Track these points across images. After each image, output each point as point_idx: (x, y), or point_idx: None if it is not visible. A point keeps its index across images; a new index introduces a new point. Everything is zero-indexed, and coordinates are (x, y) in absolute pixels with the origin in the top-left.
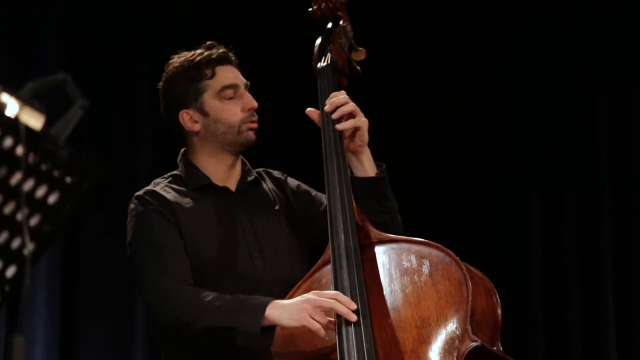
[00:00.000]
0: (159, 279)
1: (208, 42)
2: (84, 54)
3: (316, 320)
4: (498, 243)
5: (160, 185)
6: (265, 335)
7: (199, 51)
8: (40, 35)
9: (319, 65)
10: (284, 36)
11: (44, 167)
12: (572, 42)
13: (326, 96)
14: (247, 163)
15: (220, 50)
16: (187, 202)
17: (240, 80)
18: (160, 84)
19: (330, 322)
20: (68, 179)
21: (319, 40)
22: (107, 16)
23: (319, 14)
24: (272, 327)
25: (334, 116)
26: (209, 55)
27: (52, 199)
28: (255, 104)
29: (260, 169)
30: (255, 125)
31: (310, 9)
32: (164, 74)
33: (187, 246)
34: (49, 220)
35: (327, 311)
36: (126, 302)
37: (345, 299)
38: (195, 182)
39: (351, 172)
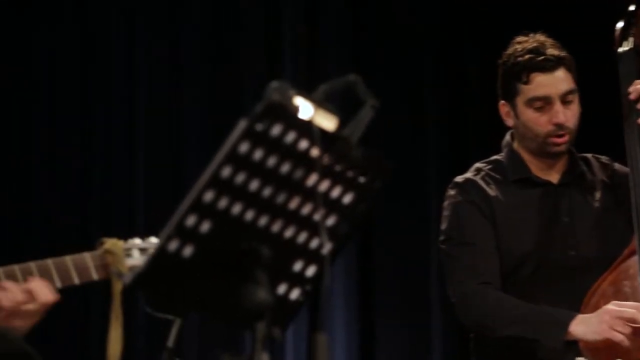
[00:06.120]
0: (464, 279)
1: (538, 40)
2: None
3: (618, 332)
4: None
5: (481, 174)
6: (567, 350)
7: (528, 47)
8: (329, 39)
9: (620, 49)
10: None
11: (338, 168)
12: None
13: (628, 81)
14: (575, 153)
15: (545, 57)
16: (506, 194)
17: (556, 90)
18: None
19: (634, 328)
20: (361, 179)
21: (620, 24)
22: (391, 17)
23: None
24: (574, 342)
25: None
26: (530, 59)
27: (347, 199)
28: (560, 119)
29: (589, 155)
30: (559, 140)
31: None
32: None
33: (501, 243)
34: (345, 220)
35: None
36: (422, 296)
37: None
38: (517, 173)
39: None
